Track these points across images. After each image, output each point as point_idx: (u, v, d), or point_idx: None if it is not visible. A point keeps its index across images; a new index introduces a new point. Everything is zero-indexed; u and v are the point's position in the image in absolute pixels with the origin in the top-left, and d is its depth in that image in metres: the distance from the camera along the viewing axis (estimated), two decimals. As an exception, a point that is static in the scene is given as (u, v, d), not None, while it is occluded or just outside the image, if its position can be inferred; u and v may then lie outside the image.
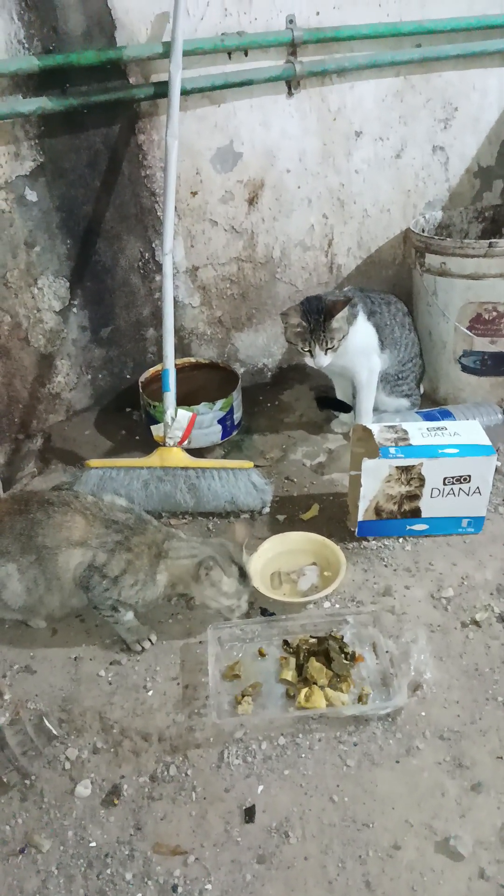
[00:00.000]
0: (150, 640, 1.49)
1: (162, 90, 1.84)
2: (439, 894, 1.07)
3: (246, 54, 1.96)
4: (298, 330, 1.87)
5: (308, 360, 1.89)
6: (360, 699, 1.34)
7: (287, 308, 1.91)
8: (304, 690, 1.34)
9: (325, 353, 1.87)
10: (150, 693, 1.39)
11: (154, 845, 1.16)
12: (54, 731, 1.27)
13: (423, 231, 2.27)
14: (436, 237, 2.09)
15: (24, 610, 1.49)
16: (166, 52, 1.79)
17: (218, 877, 1.11)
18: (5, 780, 1.21)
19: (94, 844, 1.16)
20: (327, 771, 1.24)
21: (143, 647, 1.48)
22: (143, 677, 1.43)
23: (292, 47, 2.00)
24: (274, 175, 2.17)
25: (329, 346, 1.85)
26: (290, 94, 2.07)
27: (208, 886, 1.10)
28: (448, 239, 2.04)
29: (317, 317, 1.83)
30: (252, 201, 2.19)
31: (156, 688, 1.40)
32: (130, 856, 1.15)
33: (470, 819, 1.15)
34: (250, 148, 2.11)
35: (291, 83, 2.05)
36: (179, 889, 1.10)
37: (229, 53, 1.94)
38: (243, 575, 1.44)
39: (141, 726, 1.33)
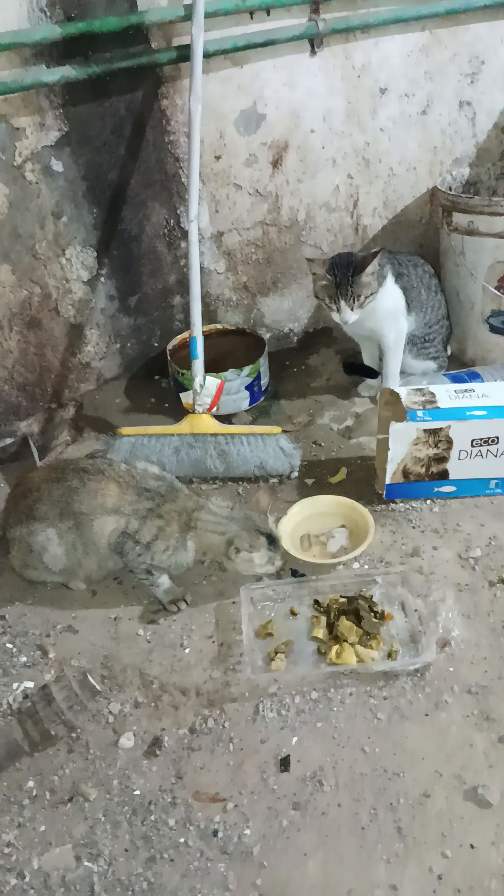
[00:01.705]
0: (185, 600, 1.54)
1: (184, 53, 1.83)
2: (468, 840, 1.12)
3: (268, 13, 1.93)
4: (324, 283, 1.86)
5: (334, 317, 1.89)
6: (390, 656, 1.38)
7: (315, 256, 1.88)
8: (335, 647, 1.38)
9: (352, 310, 1.85)
10: (186, 650, 1.45)
11: (194, 793, 1.22)
12: (97, 687, 1.33)
13: (450, 189, 2.24)
14: (463, 195, 2.06)
15: (63, 572, 1.55)
16: (188, 15, 1.77)
17: (255, 823, 1.17)
18: (53, 732, 1.28)
19: (137, 793, 1.23)
20: (358, 724, 1.28)
21: (178, 608, 1.53)
22: (180, 636, 1.48)
23: (315, 5, 1.96)
24: (298, 136, 2.15)
25: (357, 302, 1.83)
26: (313, 52, 2.04)
27: (247, 832, 1.16)
28: (476, 197, 2.01)
29: (345, 271, 1.81)
30: (276, 163, 2.17)
31: (192, 645, 1.46)
32: (172, 803, 1.21)
33: (498, 770, 1.20)
34: (274, 109, 2.09)
35: (315, 41, 2.02)
36: (220, 834, 1.16)
37: (251, 13, 1.91)
38: (272, 541, 1.48)
39: (179, 682, 1.39)
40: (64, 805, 1.23)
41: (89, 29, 1.74)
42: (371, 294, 1.85)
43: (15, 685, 1.41)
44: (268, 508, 1.54)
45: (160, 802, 1.21)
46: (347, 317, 1.86)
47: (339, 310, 1.86)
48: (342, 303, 1.84)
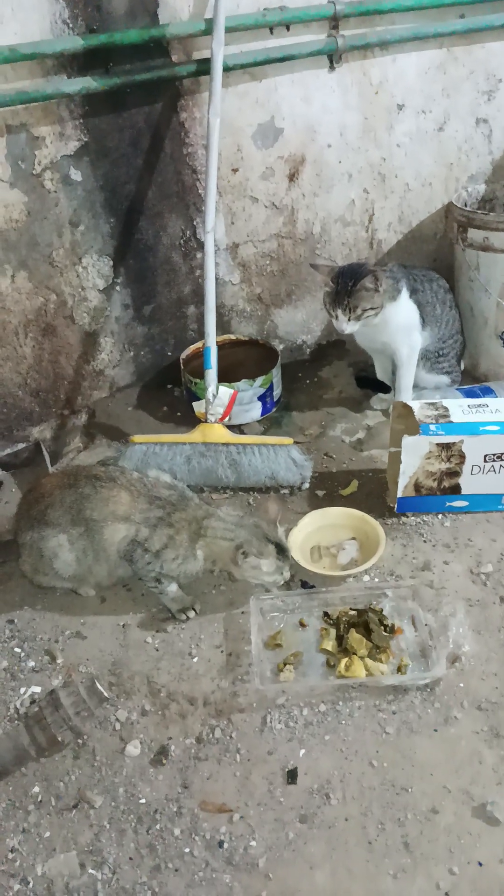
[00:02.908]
0: (194, 609, 1.54)
1: (204, 67, 1.85)
2: (476, 856, 1.11)
3: (287, 29, 1.95)
4: (327, 290, 1.88)
5: (334, 324, 1.90)
6: (399, 670, 1.37)
7: (321, 261, 1.88)
8: (345, 660, 1.37)
9: (349, 321, 1.85)
10: (195, 659, 1.45)
11: (201, 803, 1.21)
12: (105, 694, 1.32)
13: (466, 205, 2.25)
14: (479, 211, 2.07)
15: (73, 579, 1.55)
16: (209, 29, 1.79)
17: (262, 834, 1.16)
18: (60, 738, 1.27)
19: (143, 801, 1.22)
20: (367, 737, 1.28)
21: (187, 616, 1.53)
22: (189, 644, 1.48)
23: (334, 21, 1.98)
24: (315, 150, 2.17)
25: (353, 313, 1.84)
26: (331, 68, 2.06)
27: (253, 843, 1.15)
28: (491, 213, 2.02)
29: (347, 281, 1.82)
30: (293, 177, 2.19)
31: (200, 654, 1.46)
32: (178, 812, 1.20)
33: (507, 786, 1.19)
34: (291, 123, 2.10)
35: (333, 57, 2.04)
36: (225, 845, 1.15)
37: (271, 29, 1.93)
38: (281, 550, 1.48)
39: (187, 690, 1.38)
40: (69, 811, 1.22)
41: (111, 41, 1.76)
42: (371, 309, 1.84)
43: (23, 690, 1.42)
44: (277, 518, 1.54)
45: (166, 811, 1.21)
46: (343, 327, 1.86)
47: (336, 318, 1.87)
48: (339, 311, 1.85)
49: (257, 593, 1.53)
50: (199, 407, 1.91)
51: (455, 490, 1.69)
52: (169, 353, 2.32)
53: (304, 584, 1.59)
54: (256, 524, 1.51)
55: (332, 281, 1.85)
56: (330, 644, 1.42)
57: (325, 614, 1.50)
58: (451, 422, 1.64)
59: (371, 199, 2.32)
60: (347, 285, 1.82)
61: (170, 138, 2.01)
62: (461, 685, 1.35)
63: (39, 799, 1.24)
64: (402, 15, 2.05)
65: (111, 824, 1.20)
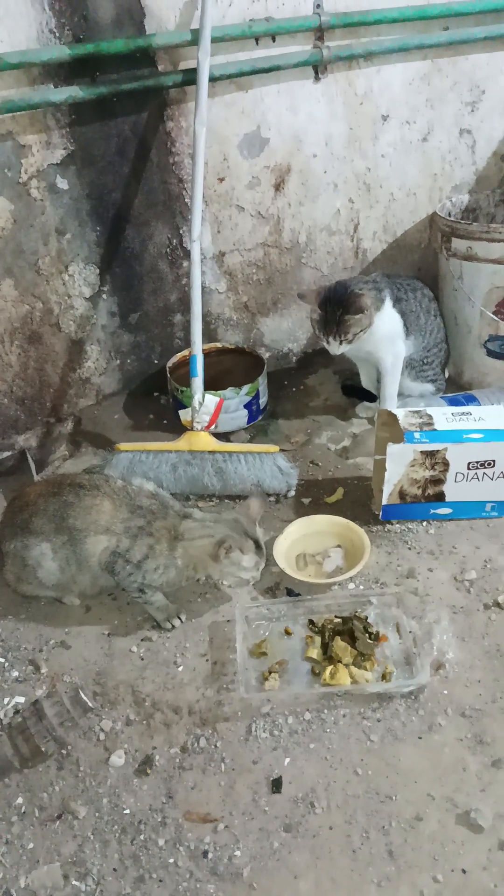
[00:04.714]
0: (179, 618, 1.54)
1: (190, 77, 1.86)
2: (460, 864, 1.11)
3: (273, 40, 1.97)
4: (314, 316, 1.90)
5: (325, 347, 1.92)
6: (384, 677, 1.37)
7: (306, 289, 1.90)
8: (329, 668, 1.38)
9: (340, 344, 1.89)
10: (180, 668, 1.44)
11: (185, 813, 1.21)
12: (89, 703, 1.32)
13: (450, 215, 2.27)
14: (462, 221, 2.09)
15: (57, 587, 1.54)
16: (195, 40, 1.80)
17: (246, 844, 1.16)
18: (43, 749, 1.27)
19: (127, 812, 1.22)
20: (351, 745, 1.28)
21: (172, 625, 1.53)
22: (174, 653, 1.48)
23: (319, 32, 2.00)
24: (300, 160, 2.19)
25: (344, 338, 1.87)
26: (317, 78, 2.08)
27: (237, 853, 1.15)
28: (474, 223, 2.04)
29: (335, 308, 1.84)
30: (278, 187, 2.20)
31: (185, 663, 1.45)
32: (163, 823, 1.20)
33: (490, 793, 1.19)
34: (277, 133, 2.12)
35: (318, 68, 2.06)
36: (210, 855, 1.15)
37: (257, 39, 1.95)
38: (258, 546, 1.49)
39: (172, 700, 1.38)
40: (53, 822, 1.21)
41: (97, 50, 1.77)
42: (360, 330, 1.87)
43: (6, 700, 1.41)
44: (258, 516, 1.54)
45: (150, 822, 1.20)
46: (335, 350, 1.91)
47: (328, 343, 1.90)
48: (329, 338, 1.88)
49: (242, 602, 1.52)
50: (185, 415, 1.91)
51: (439, 497, 1.70)
52: (155, 361, 2.32)
53: (290, 592, 1.59)
54: (236, 520, 1.51)
55: (320, 308, 1.87)
56: (315, 652, 1.42)
57: (311, 622, 1.50)
58: (436, 430, 1.65)
59: (356, 209, 2.34)
60: (336, 313, 1.84)
61: (156, 147, 2.01)
62: (445, 692, 1.35)
63: (23, 810, 1.23)
64: (388, 27, 2.07)
65: (95, 835, 1.19)
